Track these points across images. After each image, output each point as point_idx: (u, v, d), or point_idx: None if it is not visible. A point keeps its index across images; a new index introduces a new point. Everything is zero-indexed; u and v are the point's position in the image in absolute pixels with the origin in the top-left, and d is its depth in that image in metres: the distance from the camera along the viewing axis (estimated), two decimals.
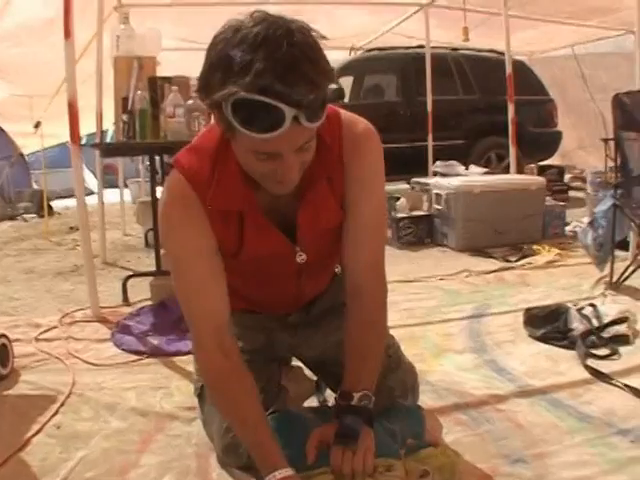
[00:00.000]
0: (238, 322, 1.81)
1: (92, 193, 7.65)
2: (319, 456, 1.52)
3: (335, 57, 8.42)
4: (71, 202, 8.13)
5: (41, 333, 3.10)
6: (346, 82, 7.60)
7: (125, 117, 3.46)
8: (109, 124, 5.00)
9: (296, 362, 2.17)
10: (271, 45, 1.24)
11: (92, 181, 9.10)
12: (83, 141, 3.57)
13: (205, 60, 1.34)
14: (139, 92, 3.42)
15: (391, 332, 2.08)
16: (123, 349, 2.85)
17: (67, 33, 3.20)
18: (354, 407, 1.57)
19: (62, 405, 2.24)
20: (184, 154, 1.62)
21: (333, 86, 1.34)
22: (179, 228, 1.58)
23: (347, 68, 7.81)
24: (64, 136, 7.09)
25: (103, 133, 5.00)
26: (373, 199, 1.68)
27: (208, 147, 1.56)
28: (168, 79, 3.51)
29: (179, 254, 1.61)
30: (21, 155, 9.77)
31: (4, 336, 2.58)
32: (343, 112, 1.63)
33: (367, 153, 1.64)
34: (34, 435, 2.01)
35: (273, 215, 1.62)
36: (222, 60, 1.28)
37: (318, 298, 1.99)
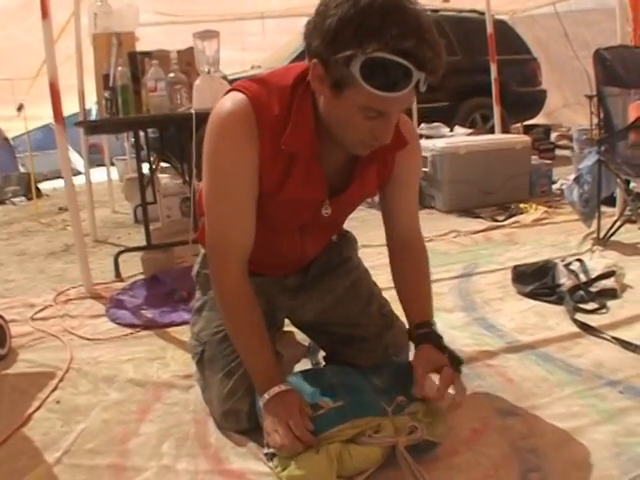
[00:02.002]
0: None
1: (79, 173, 7.61)
2: (326, 420, 1.54)
3: None
4: (59, 183, 8.10)
5: (36, 312, 3.11)
6: None
7: (107, 94, 3.45)
8: (92, 103, 4.97)
9: (288, 327, 2.20)
10: (402, 11, 1.38)
11: (79, 161, 9.04)
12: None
13: (327, 16, 1.38)
14: (120, 68, 3.41)
15: (383, 293, 2.13)
16: (118, 323, 2.87)
17: (44, 13, 3.17)
18: (437, 334, 1.76)
19: (61, 380, 2.26)
20: (249, 83, 1.61)
21: None
22: (233, 140, 1.57)
23: None
24: (48, 117, 7.05)
25: (87, 112, 4.97)
26: (417, 180, 1.90)
27: (280, 85, 1.58)
28: (148, 54, 3.49)
29: (224, 171, 1.61)
30: (6, 139, 9.70)
31: (0, 317, 2.60)
32: None
33: (415, 149, 1.81)
34: (35, 411, 2.03)
35: (324, 169, 1.67)
36: (354, 19, 1.34)
37: (315, 261, 2.03)
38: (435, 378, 1.62)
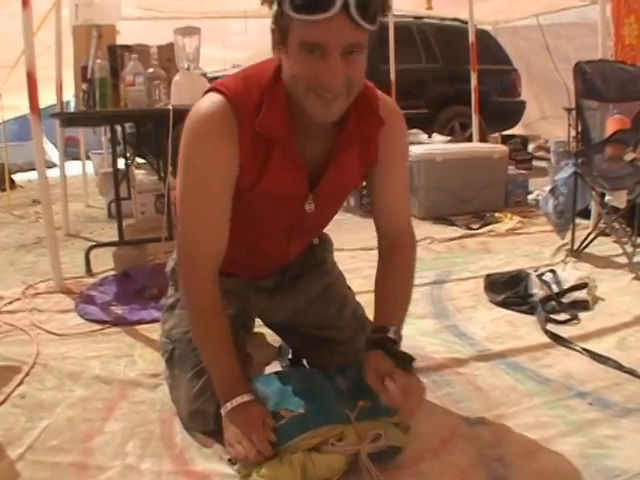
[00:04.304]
0: None
1: (54, 165, 7.55)
2: (288, 430, 1.53)
3: None
4: (33, 175, 8.01)
5: (4, 305, 3.08)
6: None
7: (85, 86, 3.42)
8: (70, 96, 4.94)
9: (258, 328, 2.19)
10: None
11: (54, 153, 8.98)
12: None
13: None
14: (99, 61, 3.37)
15: (356, 297, 2.12)
16: (87, 319, 2.84)
17: (25, 2, 3.14)
18: (392, 339, 1.67)
19: (26, 375, 2.23)
20: (228, 80, 1.62)
21: None
22: (210, 143, 1.57)
23: None
24: (25, 108, 6.98)
25: (64, 104, 4.93)
26: (403, 170, 1.84)
27: (258, 77, 1.58)
28: (128, 47, 3.46)
29: (198, 175, 1.60)
30: None
31: None
32: (377, 90, 1.74)
33: (399, 133, 1.78)
34: None
35: (303, 159, 1.64)
36: None
37: (293, 262, 2.02)
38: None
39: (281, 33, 1.45)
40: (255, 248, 1.87)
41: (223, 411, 1.60)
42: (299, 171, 1.65)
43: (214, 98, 1.57)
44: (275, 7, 1.42)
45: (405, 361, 1.61)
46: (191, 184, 1.62)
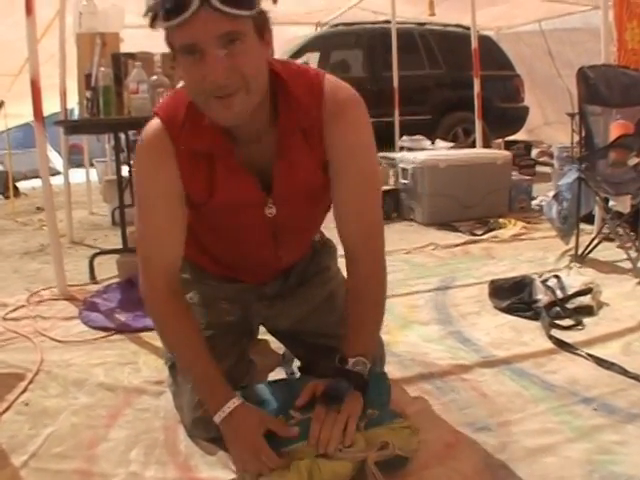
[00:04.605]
0: (217, 295, 1.83)
1: (58, 173, 7.57)
2: (301, 431, 1.53)
3: (301, 32, 8.38)
4: (37, 183, 8.03)
5: (9, 312, 3.08)
6: (312, 57, 7.57)
7: (89, 94, 3.43)
8: (74, 103, 4.95)
9: (263, 335, 2.19)
10: None
11: (58, 161, 8.99)
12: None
13: None
14: (102, 69, 3.38)
15: None
16: (90, 326, 2.84)
17: (29, 10, 3.15)
18: (346, 371, 1.59)
19: (30, 382, 2.23)
20: (164, 101, 1.69)
21: None
22: (147, 168, 1.64)
23: (313, 43, 7.78)
24: (28, 116, 6.98)
25: (68, 112, 4.94)
26: (359, 166, 1.65)
27: (185, 94, 1.57)
28: (132, 55, 3.47)
29: (143, 194, 1.67)
30: None
31: None
32: (328, 77, 1.63)
33: (350, 121, 1.62)
34: (3, 413, 2.00)
35: (248, 165, 1.63)
36: None
37: (294, 267, 2.01)
38: None
39: (172, 50, 1.44)
40: (244, 254, 1.87)
41: (217, 420, 1.57)
42: (247, 179, 1.63)
43: (152, 122, 1.63)
44: (160, 28, 1.42)
45: (335, 399, 1.55)
46: (139, 202, 1.69)
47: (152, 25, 1.41)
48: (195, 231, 1.78)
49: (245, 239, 1.81)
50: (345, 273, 1.80)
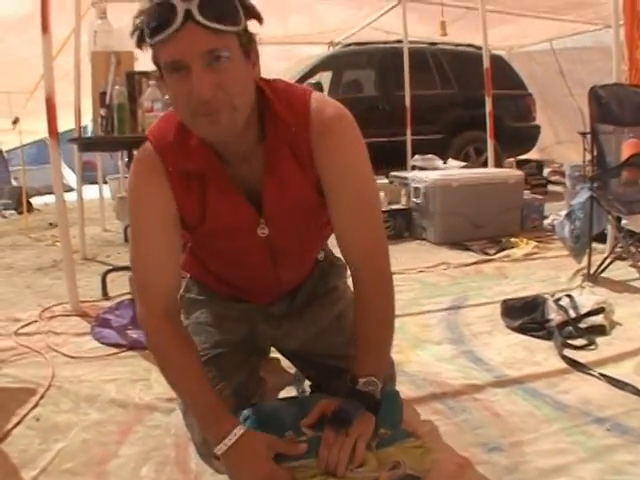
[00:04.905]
0: (224, 314, 1.83)
1: (71, 189, 7.61)
2: (312, 447, 1.53)
3: (314, 52, 8.43)
4: (50, 199, 8.06)
5: (21, 327, 3.09)
6: (325, 77, 7.61)
7: (103, 112, 3.45)
8: (88, 120, 4.99)
9: (274, 354, 2.18)
10: None
11: (71, 178, 9.04)
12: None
13: None
14: (117, 87, 3.40)
15: None
16: (102, 342, 2.85)
17: (45, 28, 3.18)
18: (357, 391, 1.58)
19: (42, 397, 2.24)
20: (154, 123, 1.68)
21: None
22: (139, 192, 1.64)
23: (326, 63, 7.81)
24: (43, 132, 7.04)
25: (82, 129, 4.98)
26: (352, 186, 1.62)
27: (175, 115, 1.58)
28: (146, 74, 3.49)
29: (137, 217, 1.67)
30: (0, 152, 9.71)
31: None
32: (315, 95, 1.63)
33: (338, 139, 1.60)
34: (14, 427, 2.00)
35: (239, 185, 1.62)
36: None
37: (300, 287, 2.00)
38: None
39: (158, 69, 1.45)
40: (245, 275, 1.87)
41: (220, 450, 1.52)
42: (238, 199, 1.63)
43: (144, 145, 1.64)
44: (147, 47, 1.44)
45: (344, 422, 1.54)
46: (134, 226, 1.69)
47: (139, 44, 1.43)
48: (196, 252, 1.79)
49: (243, 260, 1.81)
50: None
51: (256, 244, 1.71)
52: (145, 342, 1.75)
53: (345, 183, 1.62)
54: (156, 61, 1.44)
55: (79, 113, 4.78)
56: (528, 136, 8.52)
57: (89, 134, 4.45)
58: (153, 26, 1.36)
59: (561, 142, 9.84)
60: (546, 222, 5.52)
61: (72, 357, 2.68)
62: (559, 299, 2.96)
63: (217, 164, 1.58)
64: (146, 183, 1.62)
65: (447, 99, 7.92)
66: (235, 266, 1.83)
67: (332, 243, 1.98)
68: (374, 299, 1.67)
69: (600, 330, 2.73)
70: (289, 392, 2.16)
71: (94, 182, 7.76)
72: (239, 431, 1.52)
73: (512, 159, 8.23)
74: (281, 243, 1.74)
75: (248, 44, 1.46)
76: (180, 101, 1.44)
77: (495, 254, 4.58)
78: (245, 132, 1.53)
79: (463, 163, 6.59)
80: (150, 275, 1.65)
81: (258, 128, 1.58)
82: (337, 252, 2.04)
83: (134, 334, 2.91)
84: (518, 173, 5.67)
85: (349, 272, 1.75)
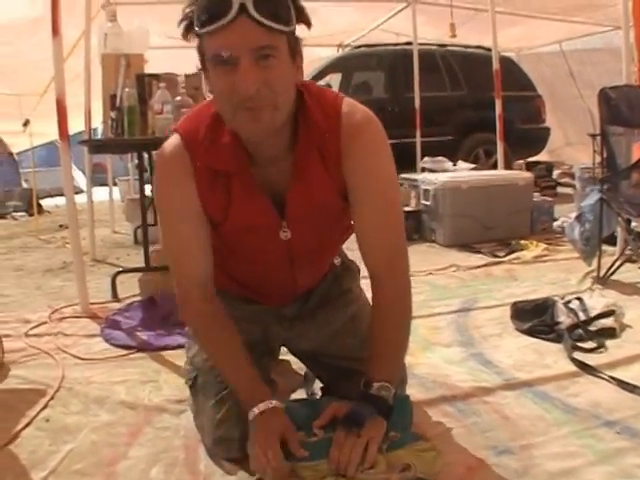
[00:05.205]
0: (236, 315, 1.83)
1: (81, 191, 7.64)
2: (319, 448, 1.54)
3: (324, 54, 8.43)
4: (61, 201, 8.13)
5: (31, 329, 3.10)
6: (334, 79, 7.61)
7: (113, 114, 3.47)
8: (98, 123, 5.01)
9: (284, 355, 2.18)
10: None
11: (81, 180, 9.09)
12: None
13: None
14: (127, 89, 3.42)
15: None
16: (112, 344, 2.85)
17: (55, 30, 3.20)
18: (371, 396, 1.59)
19: (51, 399, 2.24)
20: (184, 119, 1.70)
21: None
22: (168, 185, 1.66)
23: (335, 65, 7.82)
24: (53, 134, 7.07)
25: (92, 131, 4.99)
26: (379, 191, 1.65)
27: (207, 112, 1.61)
28: (156, 76, 3.51)
29: (166, 210, 1.69)
30: (10, 154, 9.74)
31: None
32: (346, 100, 1.64)
33: (367, 144, 1.63)
34: (23, 428, 2.01)
35: (265, 187, 1.63)
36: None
37: (315, 289, 2.00)
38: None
39: (202, 59, 1.47)
40: (261, 276, 1.88)
41: (250, 416, 1.60)
42: (262, 201, 1.65)
43: (171, 139, 1.65)
44: (194, 36, 1.45)
45: (356, 423, 1.55)
46: (162, 220, 1.73)
47: (186, 34, 1.44)
48: (213, 250, 1.80)
49: (261, 261, 1.82)
50: (368, 294, 1.80)
51: (276, 246, 1.73)
52: (185, 324, 1.85)
53: (371, 186, 1.64)
54: (202, 51, 1.45)
55: (89, 115, 4.79)
56: (538, 138, 8.51)
57: (99, 136, 4.48)
58: (206, 16, 1.37)
59: (571, 144, 9.81)
60: (556, 224, 5.50)
61: (82, 359, 2.68)
62: (569, 302, 2.95)
63: (246, 164, 1.59)
64: (173, 177, 1.63)
65: (456, 101, 7.92)
66: (252, 266, 1.84)
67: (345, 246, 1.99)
68: (392, 304, 1.69)
69: (610, 333, 2.71)
70: (300, 394, 2.16)
71: (104, 184, 7.79)
72: (268, 405, 1.58)
73: (522, 161, 8.21)
74: (301, 246, 1.74)
75: (295, 46, 1.47)
76: (222, 94, 1.45)
77: (505, 256, 4.57)
78: (279, 133, 1.54)
79: (473, 165, 6.58)
80: (184, 260, 1.69)
81: (290, 131, 1.59)
82: (352, 254, 2.06)
83: (143, 336, 2.93)
84: (528, 175, 5.67)
85: (365, 274, 1.77)
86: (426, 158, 6.66)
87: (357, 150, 1.61)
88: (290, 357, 2.20)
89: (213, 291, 1.73)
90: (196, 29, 1.40)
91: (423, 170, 6.51)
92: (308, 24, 1.48)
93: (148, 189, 3.98)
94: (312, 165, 1.62)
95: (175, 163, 1.62)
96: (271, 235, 1.70)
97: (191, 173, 1.61)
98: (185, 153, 1.60)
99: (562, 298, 3.03)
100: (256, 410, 1.58)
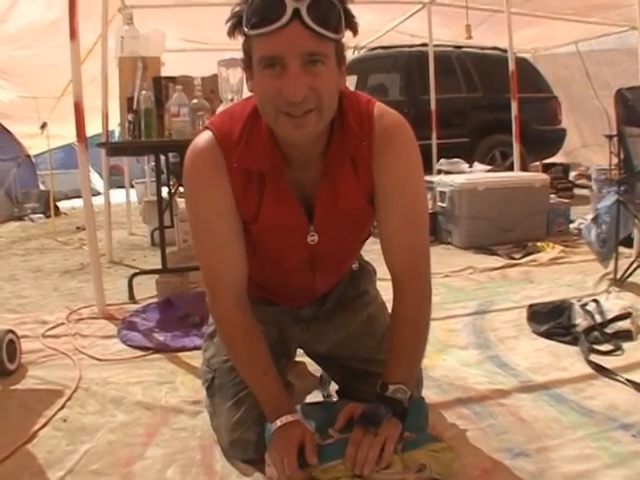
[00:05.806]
0: (254, 316, 1.84)
1: (98, 194, 7.68)
2: (334, 450, 1.55)
3: None
4: (78, 203, 8.18)
5: (48, 330, 3.13)
6: (350, 81, 7.61)
7: (130, 117, 3.49)
8: (115, 125, 5.04)
9: (299, 357, 2.19)
10: None
11: (98, 182, 9.13)
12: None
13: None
14: (144, 92, 3.44)
15: None
16: (129, 345, 2.87)
17: (72, 34, 3.22)
18: (387, 398, 1.60)
19: (69, 399, 2.26)
20: (217, 117, 1.70)
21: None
22: (202, 183, 1.63)
23: (351, 67, 7.77)
24: (70, 137, 7.13)
25: (109, 134, 5.02)
26: (406, 196, 1.66)
27: (242, 112, 1.61)
28: (172, 79, 3.53)
29: (199, 211, 1.66)
30: (28, 156, 9.80)
31: (12, 332, 2.60)
32: (378, 106, 1.65)
33: (398, 149, 1.63)
34: (41, 428, 2.03)
35: (296, 190, 1.64)
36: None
37: (332, 291, 2.00)
38: None
39: (247, 59, 1.47)
40: (281, 278, 1.88)
41: (272, 428, 1.60)
42: (292, 204, 1.64)
43: (204, 136, 1.63)
44: (241, 35, 1.45)
45: (373, 422, 1.56)
46: (194, 220, 1.69)
47: (232, 32, 1.45)
48: None
49: (283, 264, 1.82)
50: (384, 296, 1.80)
51: (302, 250, 1.73)
52: (217, 330, 1.82)
53: (399, 191, 1.65)
54: (248, 51, 1.45)
55: (106, 118, 4.82)
56: (554, 139, 8.45)
57: (116, 138, 4.51)
58: (257, 18, 1.37)
59: (587, 145, 9.77)
60: (572, 226, 5.48)
61: (99, 359, 2.70)
62: (585, 304, 2.94)
63: (280, 166, 1.59)
64: (207, 175, 1.61)
65: (472, 102, 7.89)
66: (274, 269, 1.84)
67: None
68: (412, 308, 1.70)
69: (627, 335, 2.70)
70: (315, 396, 2.16)
71: (121, 186, 7.83)
72: (288, 419, 1.59)
73: (538, 163, 8.19)
74: (325, 251, 1.74)
75: (341, 54, 1.48)
76: (267, 96, 1.45)
77: (521, 258, 4.55)
78: (318, 138, 1.55)
79: (489, 167, 6.56)
80: (219, 265, 1.68)
81: (327, 136, 1.59)
82: (368, 256, 2.07)
83: (160, 337, 2.94)
84: (544, 177, 5.65)
85: (381, 276, 1.79)
86: (442, 160, 6.64)
87: (388, 153, 1.62)
88: (305, 359, 2.21)
89: (246, 299, 1.72)
90: (245, 29, 1.40)
91: (439, 172, 6.48)
92: (355, 31, 1.48)
93: (165, 191, 4.00)
94: (343, 171, 1.63)
95: (210, 161, 1.60)
96: (298, 238, 1.70)
97: (225, 172, 1.60)
98: (219, 151, 1.59)
99: (579, 300, 3.02)
100: (278, 422, 1.59)
